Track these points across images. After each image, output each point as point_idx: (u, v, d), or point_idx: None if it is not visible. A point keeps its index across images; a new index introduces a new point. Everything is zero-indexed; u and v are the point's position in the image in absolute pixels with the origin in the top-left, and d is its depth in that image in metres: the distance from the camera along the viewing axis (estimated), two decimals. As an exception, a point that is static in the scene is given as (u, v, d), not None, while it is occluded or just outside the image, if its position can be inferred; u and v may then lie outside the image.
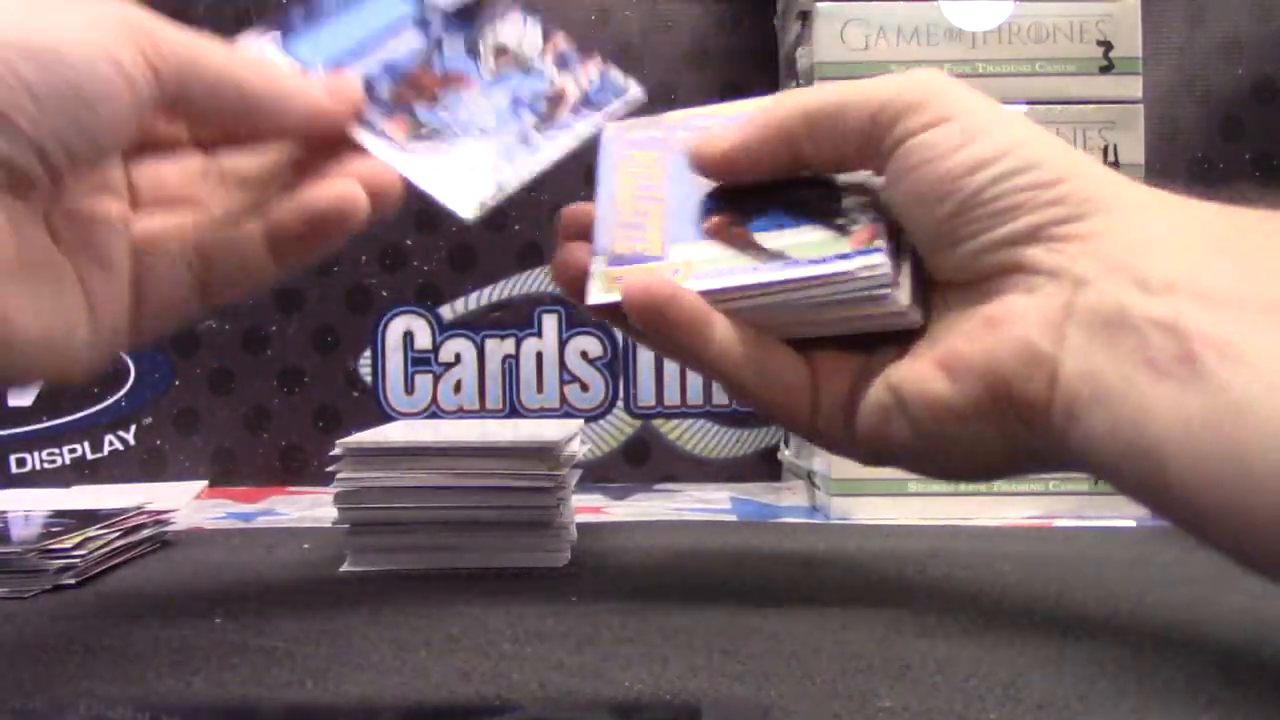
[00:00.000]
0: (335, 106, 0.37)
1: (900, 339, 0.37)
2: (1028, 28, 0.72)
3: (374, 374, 0.83)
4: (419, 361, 0.84)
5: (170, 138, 0.38)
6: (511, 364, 0.83)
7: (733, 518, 0.66)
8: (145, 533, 0.54)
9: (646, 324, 0.36)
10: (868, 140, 0.36)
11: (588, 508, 0.69)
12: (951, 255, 0.35)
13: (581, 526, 0.55)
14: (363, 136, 0.37)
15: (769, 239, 0.37)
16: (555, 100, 0.39)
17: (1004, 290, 0.34)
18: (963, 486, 0.61)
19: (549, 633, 0.37)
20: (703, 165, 0.39)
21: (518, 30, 0.40)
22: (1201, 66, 0.88)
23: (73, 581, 0.46)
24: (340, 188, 0.36)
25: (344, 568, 0.49)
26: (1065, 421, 0.32)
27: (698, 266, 0.37)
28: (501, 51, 0.39)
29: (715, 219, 0.39)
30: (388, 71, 0.38)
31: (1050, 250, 0.33)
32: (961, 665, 0.32)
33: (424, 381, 0.84)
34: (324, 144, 0.37)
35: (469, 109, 0.38)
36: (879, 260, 0.35)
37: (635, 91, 0.41)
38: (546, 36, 0.40)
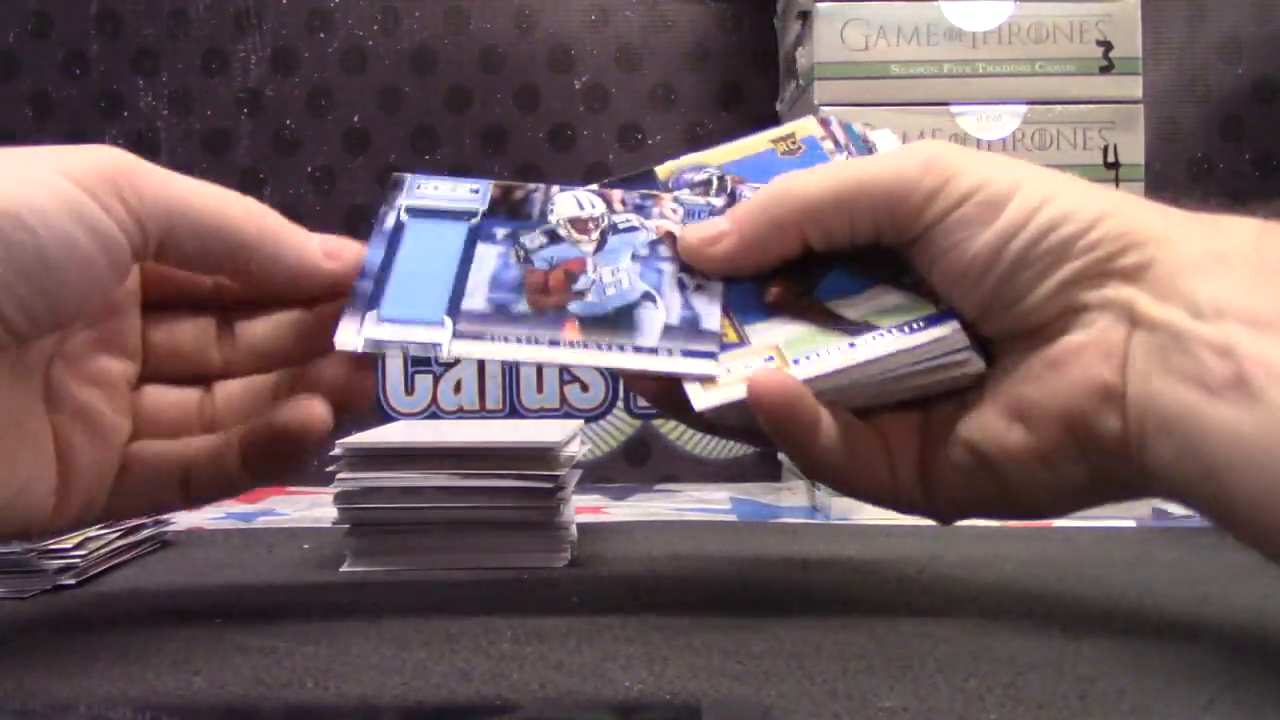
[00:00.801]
0: (328, 263, 0.36)
1: (955, 390, 0.37)
2: (1028, 28, 0.72)
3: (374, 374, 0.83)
4: (419, 362, 0.84)
5: (189, 286, 0.37)
6: (511, 364, 0.83)
7: (733, 518, 0.66)
8: (145, 533, 0.54)
9: (776, 423, 0.34)
10: (884, 231, 0.36)
11: (588, 508, 0.69)
12: (1001, 319, 0.35)
13: (582, 527, 0.55)
14: (556, 356, 0.35)
15: (845, 308, 0.36)
16: (667, 240, 0.38)
17: (1059, 331, 0.34)
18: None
19: (549, 633, 0.37)
20: (702, 265, 0.38)
21: (573, 203, 0.39)
22: (1201, 66, 0.88)
23: (73, 581, 0.46)
24: (302, 411, 0.35)
25: (344, 568, 0.49)
26: (1140, 450, 0.32)
27: (789, 350, 0.36)
28: (578, 223, 0.39)
29: (776, 289, 0.37)
30: (502, 288, 0.37)
31: (1099, 288, 0.33)
32: (961, 665, 0.32)
33: (424, 382, 0.84)
34: (325, 307, 0.36)
35: (614, 281, 0.37)
36: (958, 325, 0.35)
37: (716, 201, 0.40)
38: (604, 197, 0.39)
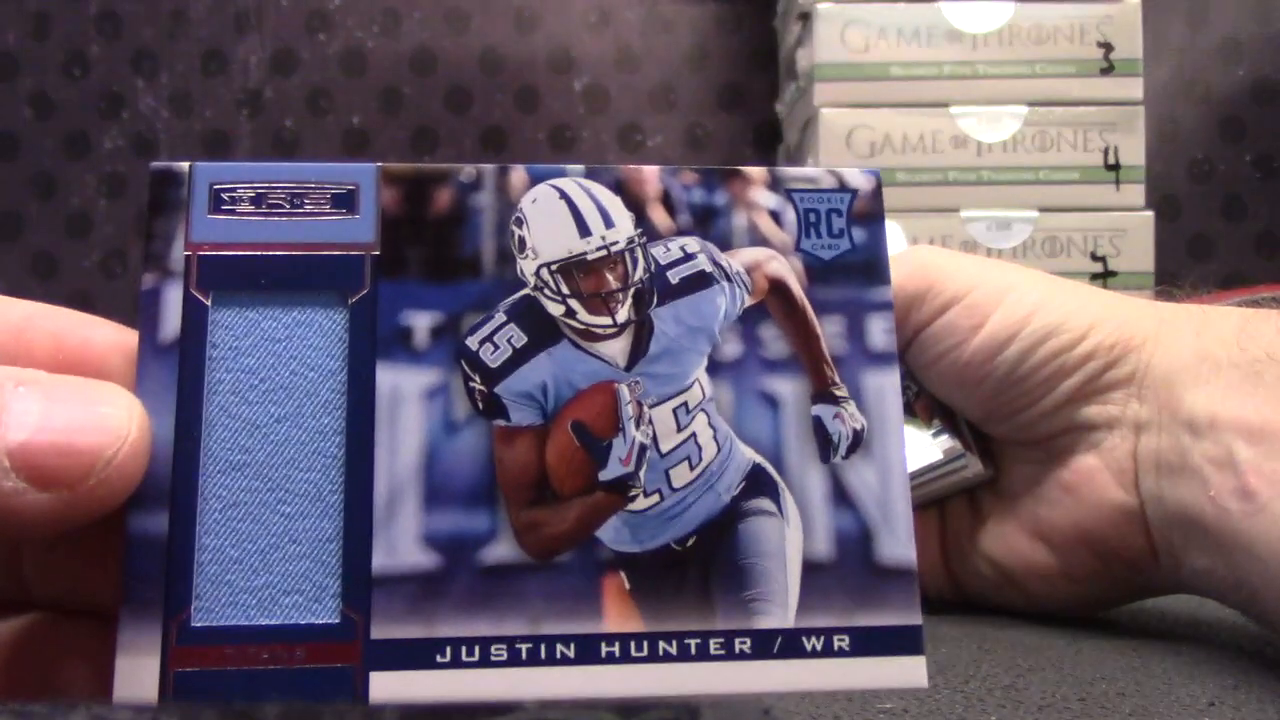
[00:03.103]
0: (33, 494, 0.17)
1: (967, 490, 0.37)
2: (1028, 29, 0.72)
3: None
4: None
5: None
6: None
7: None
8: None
9: None
10: None
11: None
12: (1003, 426, 0.35)
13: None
14: (588, 684, 0.18)
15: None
16: (773, 300, 0.20)
17: (1069, 449, 0.34)
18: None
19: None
20: None
21: (566, 219, 0.20)
22: (1202, 68, 0.88)
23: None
24: None
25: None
26: (1173, 564, 0.32)
27: None
28: (585, 281, 0.19)
29: None
30: (449, 502, 0.18)
31: (1101, 404, 0.33)
32: (961, 667, 0.32)
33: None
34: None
35: (683, 444, 0.19)
36: (950, 440, 0.36)
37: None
38: (628, 190, 0.20)
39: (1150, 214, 0.73)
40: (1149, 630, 0.36)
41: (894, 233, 0.43)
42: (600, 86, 0.88)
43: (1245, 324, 0.32)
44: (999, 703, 0.28)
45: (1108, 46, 0.72)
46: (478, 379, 0.19)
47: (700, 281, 0.19)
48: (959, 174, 0.72)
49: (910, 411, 0.37)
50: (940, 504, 0.38)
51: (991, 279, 0.34)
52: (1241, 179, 0.88)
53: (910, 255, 0.36)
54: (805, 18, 0.75)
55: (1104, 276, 0.73)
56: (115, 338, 0.19)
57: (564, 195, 0.19)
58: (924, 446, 0.36)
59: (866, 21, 0.72)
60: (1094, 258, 0.73)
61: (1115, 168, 0.72)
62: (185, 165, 0.19)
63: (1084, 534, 0.34)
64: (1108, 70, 0.72)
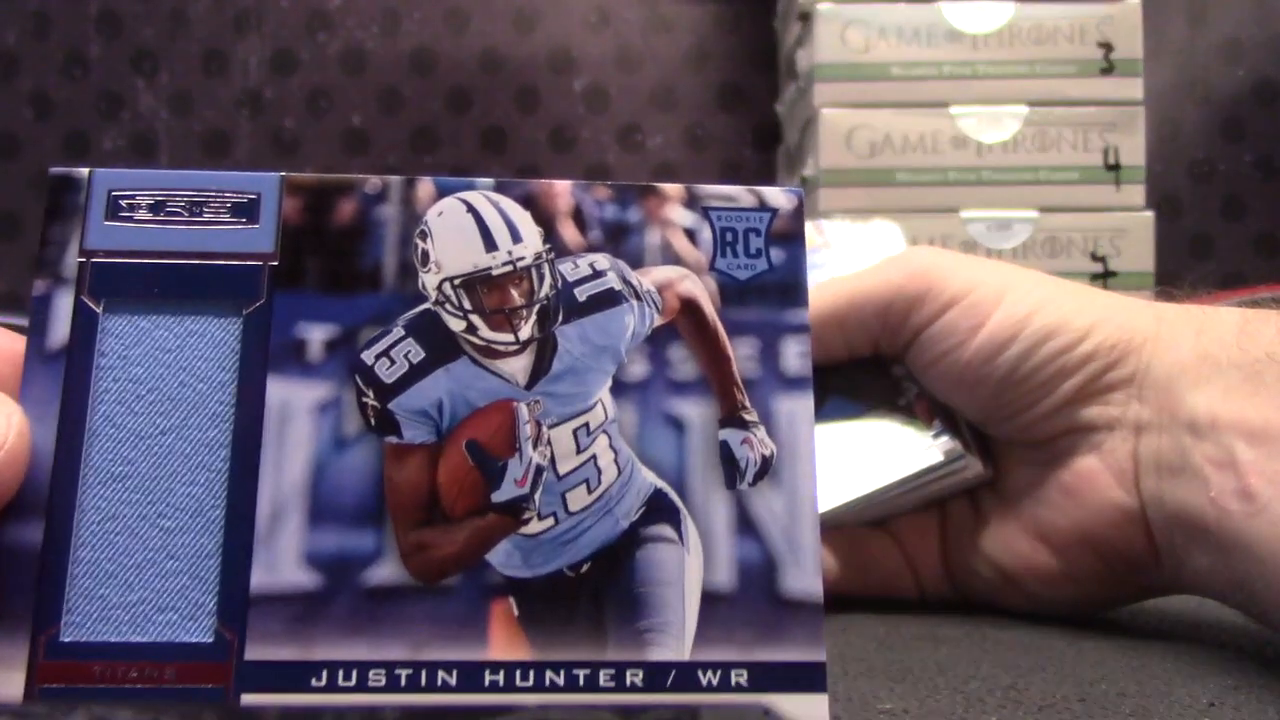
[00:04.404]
0: None
1: (967, 490, 0.37)
2: (1028, 29, 0.72)
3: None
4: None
5: None
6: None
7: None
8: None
9: None
10: (877, 340, 0.36)
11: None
12: (1004, 427, 0.35)
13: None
14: (472, 700, 0.17)
15: (844, 434, 0.36)
16: (684, 320, 0.19)
17: (1070, 450, 0.34)
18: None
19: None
20: None
21: (471, 231, 0.19)
22: (1202, 68, 0.88)
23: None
24: None
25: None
26: (1174, 565, 0.32)
27: None
28: (488, 297, 0.19)
29: None
30: (336, 521, 0.18)
31: (1101, 405, 0.33)
32: (962, 667, 0.32)
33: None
34: None
35: (582, 467, 0.18)
36: (950, 441, 0.36)
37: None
38: (537, 204, 0.19)
39: (1150, 214, 0.73)
40: (1149, 630, 0.36)
41: (893, 233, 0.43)
42: (600, 86, 0.88)
43: (1245, 324, 0.32)
44: (999, 703, 0.28)
45: (1108, 46, 0.72)
46: (371, 394, 0.18)
47: (608, 299, 0.19)
48: (959, 174, 0.72)
49: (910, 412, 0.37)
50: (941, 505, 0.38)
51: (991, 280, 0.34)
52: (1241, 179, 0.88)
53: (910, 256, 0.36)
54: (805, 18, 0.75)
55: (1104, 277, 0.73)
56: (3, 344, 0.19)
57: (471, 209, 0.19)
58: (924, 447, 0.36)
59: (866, 21, 0.72)
60: (1094, 258, 0.73)
61: (1115, 168, 0.72)
62: (85, 171, 0.19)
63: (1085, 535, 0.34)
64: (1108, 70, 0.72)
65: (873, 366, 0.37)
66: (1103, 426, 0.33)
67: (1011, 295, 0.34)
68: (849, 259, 0.42)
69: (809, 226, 0.43)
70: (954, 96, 0.72)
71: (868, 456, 0.37)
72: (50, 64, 0.89)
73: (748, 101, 0.88)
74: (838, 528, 0.37)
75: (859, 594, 0.38)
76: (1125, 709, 0.28)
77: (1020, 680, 0.31)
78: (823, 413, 0.37)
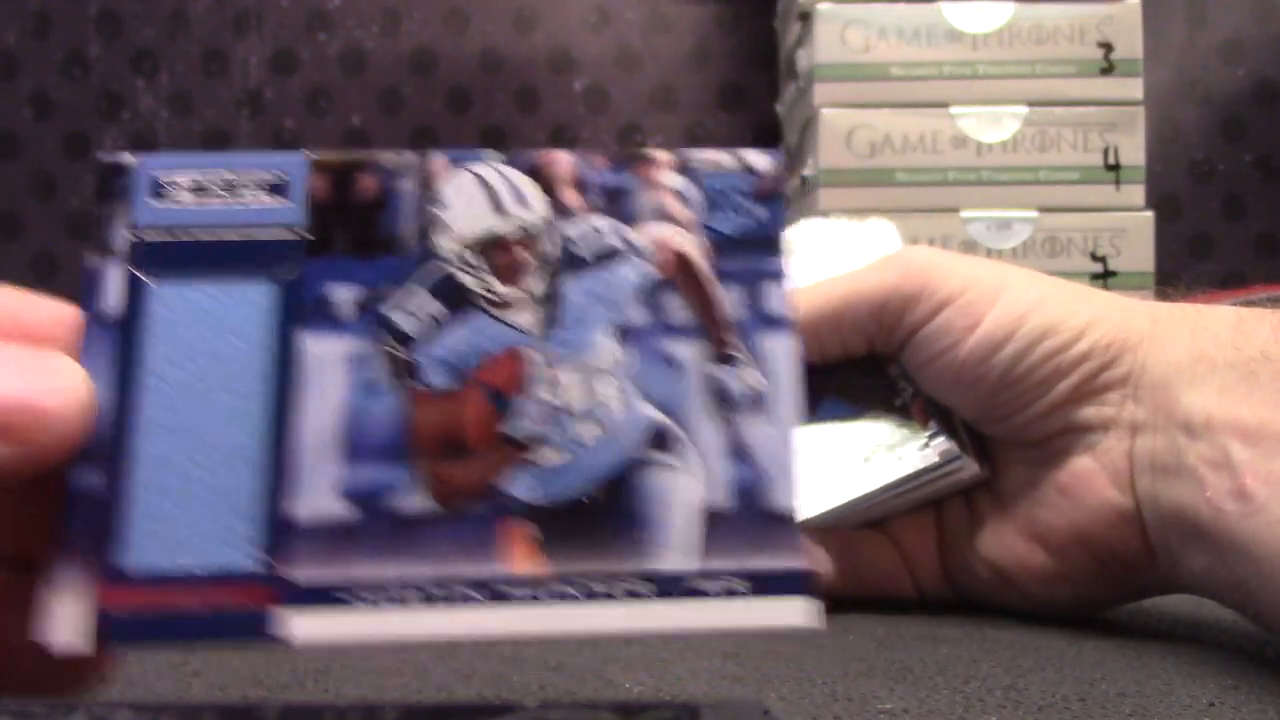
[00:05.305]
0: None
1: (963, 492, 0.38)
2: (1028, 29, 0.72)
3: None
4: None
5: None
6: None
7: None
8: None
9: None
10: (873, 339, 0.36)
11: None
12: (1000, 427, 0.35)
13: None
14: (493, 623, 0.19)
15: (840, 435, 0.37)
16: (678, 272, 0.21)
17: (1066, 450, 0.34)
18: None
19: (549, 634, 0.36)
20: None
21: (481, 198, 0.21)
22: (1202, 68, 0.88)
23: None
24: None
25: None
26: (1170, 565, 0.32)
27: None
28: (498, 254, 0.21)
29: None
30: (368, 456, 0.20)
31: (1097, 405, 0.33)
32: (962, 667, 0.32)
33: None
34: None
35: (589, 405, 0.20)
36: (946, 442, 0.36)
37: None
38: (541, 174, 0.21)
39: (1150, 214, 0.73)
40: (1149, 630, 0.36)
41: (889, 233, 0.43)
42: (600, 86, 0.88)
43: (1240, 323, 0.32)
44: (999, 703, 0.28)
45: (1108, 46, 0.72)
46: (396, 345, 0.20)
47: (609, 256, 0.21)
48: (959, 174, 0.72)
49: (906, 413, 0.37)
50: (937, 505, 0.38)
51: (986, 279, 0.34)
52: (1241, 179, 0.88)
53: (905, 255, 0.36)
54: (805, 18, 0.75)
55: (1104, 277, 0.73)
56: (59, 313, 0.21)
57: (481, 178, 0.21)
58: (920, 448, 0.36)
59: (866, 21, 0.72)
60: (1094, 258, 0.73)
61: (1115, 168, 0.72)
62: (131, 156, 0.21)
63: (1080, 535, 0.34)
64: (1108, 70, 0.72)
65: (868, 367, 0.37)
66: (1098, 426, 0.33)
67: (1007, 294, 0.34)
68: (844, 258, 0.42)
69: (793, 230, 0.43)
70: (954, 96, 0.72)
71: (864, 457, 0.37)
72: (50, 64, 0.89)
73: (748, 101, 0.88)
74: (834, 529, 0.37)
75: (856, 595, 0.38)
76: (1125, 709, 0.28)
77: (1020, 680, 0.31)
78: (819, 414, 0.37)
